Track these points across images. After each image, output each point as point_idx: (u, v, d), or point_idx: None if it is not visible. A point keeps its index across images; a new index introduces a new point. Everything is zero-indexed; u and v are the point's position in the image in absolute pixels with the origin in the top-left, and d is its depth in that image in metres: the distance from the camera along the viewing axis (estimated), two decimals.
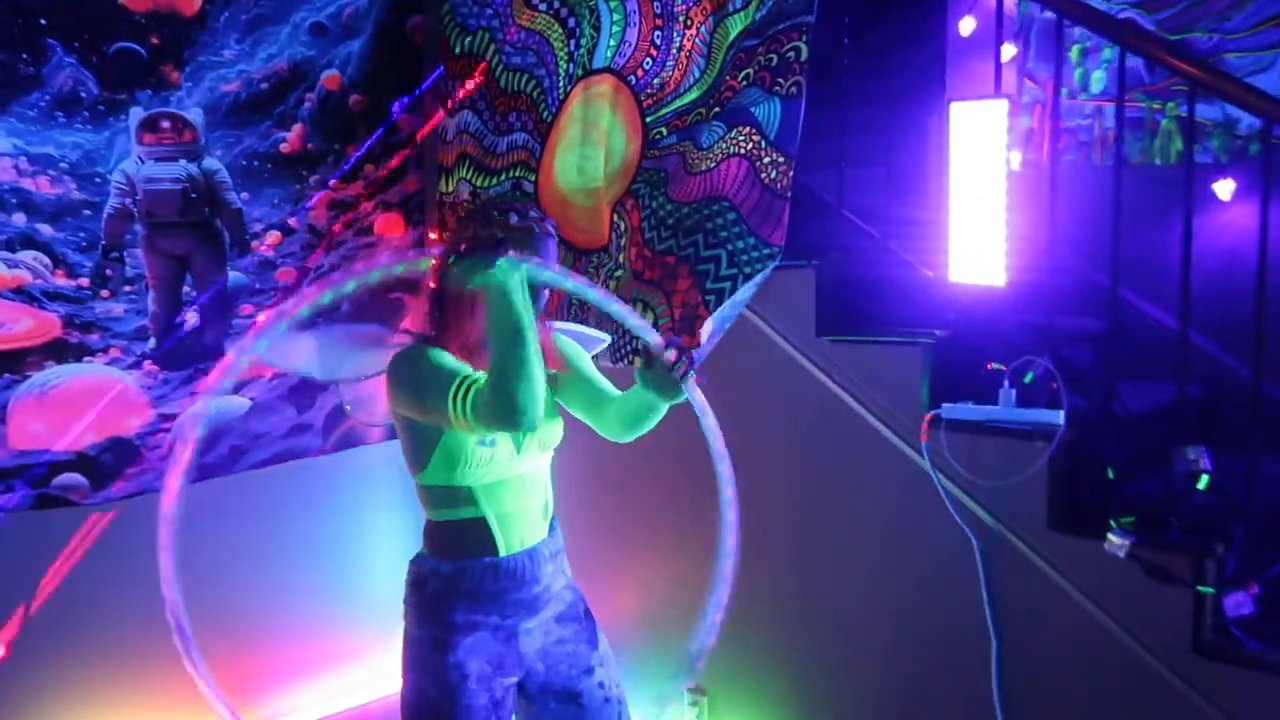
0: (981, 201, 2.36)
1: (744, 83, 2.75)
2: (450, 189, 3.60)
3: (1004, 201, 2.33)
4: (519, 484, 1.92)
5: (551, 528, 2.00)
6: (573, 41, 3.25)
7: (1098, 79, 3.31)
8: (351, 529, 3.50)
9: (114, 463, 2.92)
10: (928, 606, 2.46)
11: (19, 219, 2.72)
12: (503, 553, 1.89)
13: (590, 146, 3.17)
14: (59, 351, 2.81)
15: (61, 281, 2.81)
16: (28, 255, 2.75)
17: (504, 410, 1.65)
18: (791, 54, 2.66)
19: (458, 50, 3.53)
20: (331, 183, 3.40)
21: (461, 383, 1.72)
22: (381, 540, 3.50)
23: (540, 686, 1.97)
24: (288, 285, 3.29)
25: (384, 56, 3.50)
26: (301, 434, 3.35)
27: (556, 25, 3.28)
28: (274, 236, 3.27)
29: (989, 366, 2.34)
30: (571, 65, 3.24)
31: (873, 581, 2.56)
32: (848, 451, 2.56)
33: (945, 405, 2.37)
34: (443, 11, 3.56)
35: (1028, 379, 2.28)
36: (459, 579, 1.87)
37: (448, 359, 1.80)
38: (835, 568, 2.63)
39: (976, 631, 2.31)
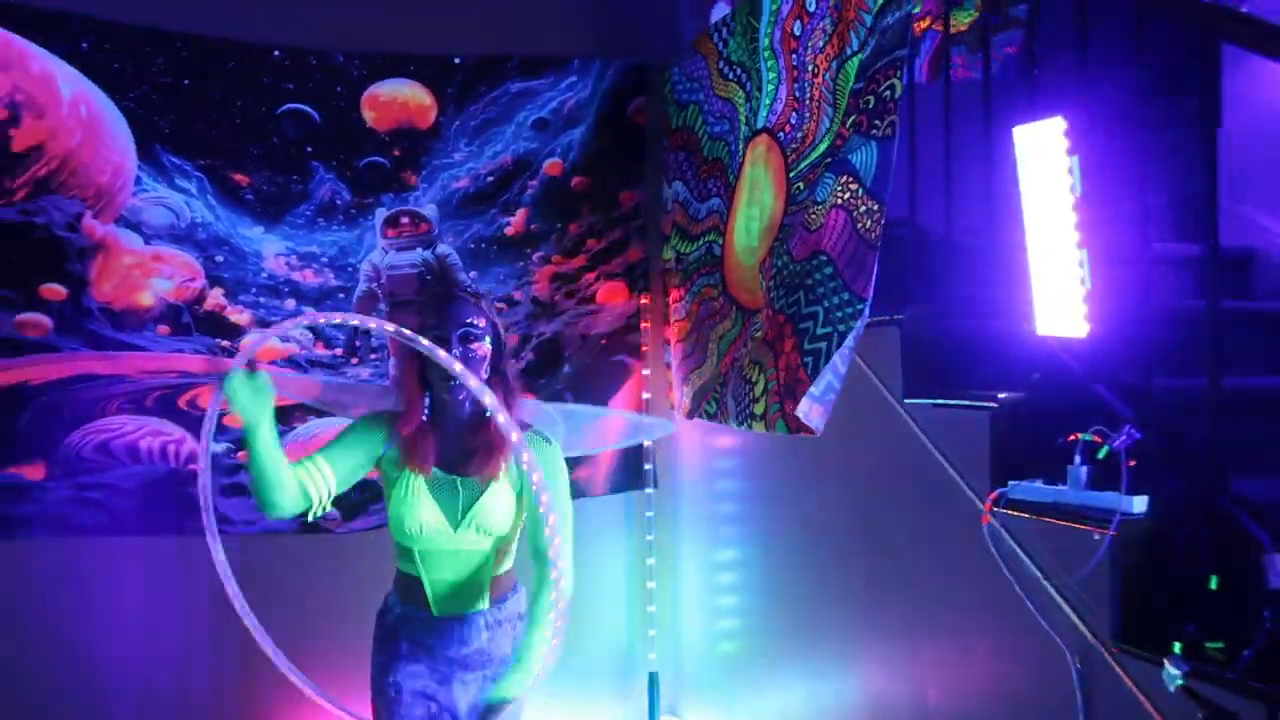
0: (1051, 236, 1.97)
1: (850, 130, 2.58)
2: (668, 256, 3.79)
3: (1072, 236, 1.93)
4: (454, 558, 2.08)
5: (501, 600, 2.13)
6: (748, 105, 3.28)
7: None
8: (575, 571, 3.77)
9: (359, 499, 3.53)
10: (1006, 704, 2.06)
11: (290, 303, 3.47)
12: (435, 613, 2.09)
13: (754, 207, 3.16)
14: (319, 409, 3.50)
15: (320, 352, 3.51)
16: (296, 332, 3.48)
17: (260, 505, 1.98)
18: (887, 92, 2.45)
19: (675, 125, 3.74)
20: (554, 258, 3.78)
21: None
22: (597, 580, 3.75)
23: None
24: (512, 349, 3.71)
25: (605, 139, 3.81)
26: None
27: (740, 91, 3.34)
28: (500, 308, 3.72)
29: (1070, 438, 1.93)
30: (746, 128, 3.27)
31: (951, 680, 2.20)
32: (929, 525, 2.26)
33: (1012, 483, 2.00)
34: (665, 90, 3.80)
35: (1101, 454, 1.85)
36: (403, 621, 2.12)
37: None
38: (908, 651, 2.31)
39: None
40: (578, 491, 3.75)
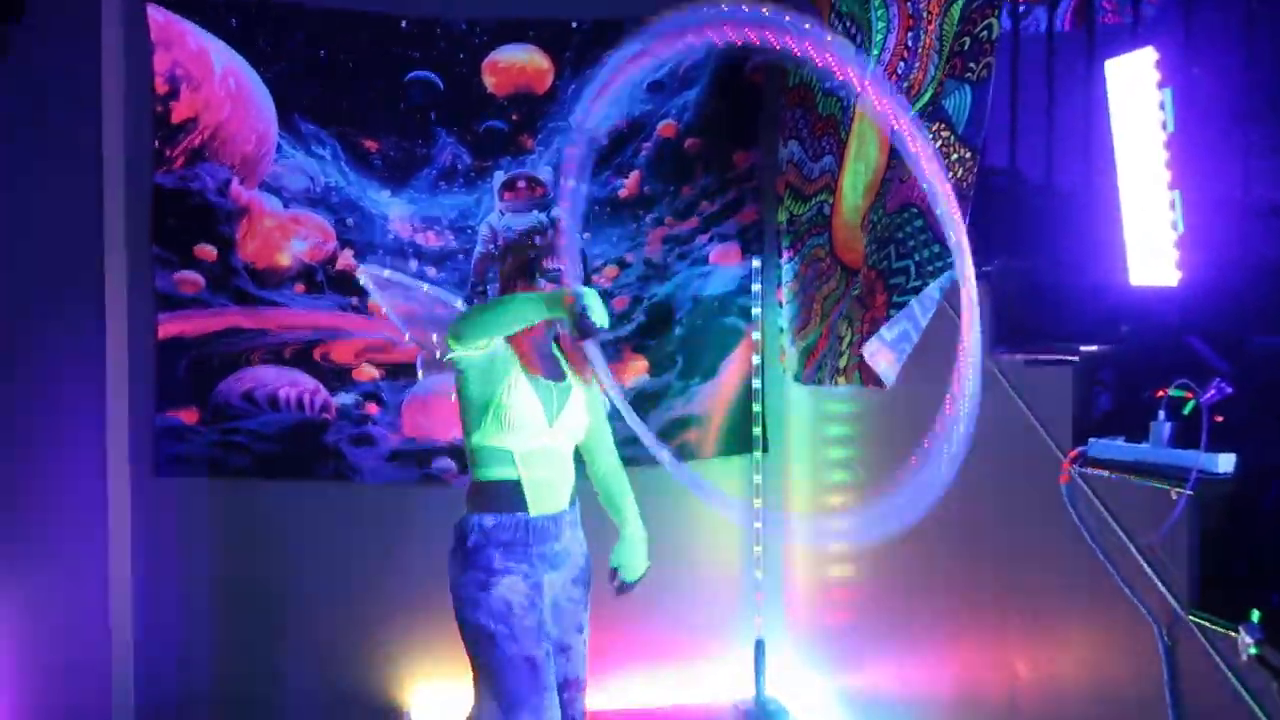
0: (1142, 177, 1.83)
1: (946, 74, 2.47)
2: (782, 218, 3.73)
3: (1164, 175, 1.78)
4: (546, 455, 2.28)
5: (572, 501, 2.34)
6: (859, 57, 3.18)
7: None
8: (679, 531, 3.80)
9: None
10: (1093, 695, 1.95)
11: (413, 264, 3.65)
12: (532, 513, 2.24)
13: (859, 162, 3.08)
14: (440, 364, 3.66)
15: (442, 311, 3.67)
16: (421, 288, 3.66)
17: (460, 329, 2.16)
18: (984, 33, 2.33)
19: (792, 83, 3.67)
20: (666, 219, 3.79)
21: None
22: (704, 545, 3.76)
23: (544, 633, 2.25)
24: (623, 311, 3.76)
25: (720, 100, 3.79)
26: (632, 445, 3.77)
27: (849, 43, 3.24)
28: (611, 270, 3.78)
29: (1157, 393, 1.80)
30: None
31: (1037, 649, 2.09)
32: (1017, 486, 2.15)
33: (1093, 440, 1.88)
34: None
35: (1187, 410, 1.71)
36: (496, 531, 2.23)
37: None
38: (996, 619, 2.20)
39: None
40: (689, 454, 3.81)
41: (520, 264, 2.39)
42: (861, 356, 2.53)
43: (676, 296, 3.81)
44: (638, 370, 3.79)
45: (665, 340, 3.80)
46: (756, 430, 3.74)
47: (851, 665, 3.33)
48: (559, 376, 2.36)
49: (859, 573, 3.29)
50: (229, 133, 3.55)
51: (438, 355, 2.28)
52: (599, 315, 2.08)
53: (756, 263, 3.77)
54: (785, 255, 3.66)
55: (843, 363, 2.68)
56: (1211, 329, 1.80)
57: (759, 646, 3.64)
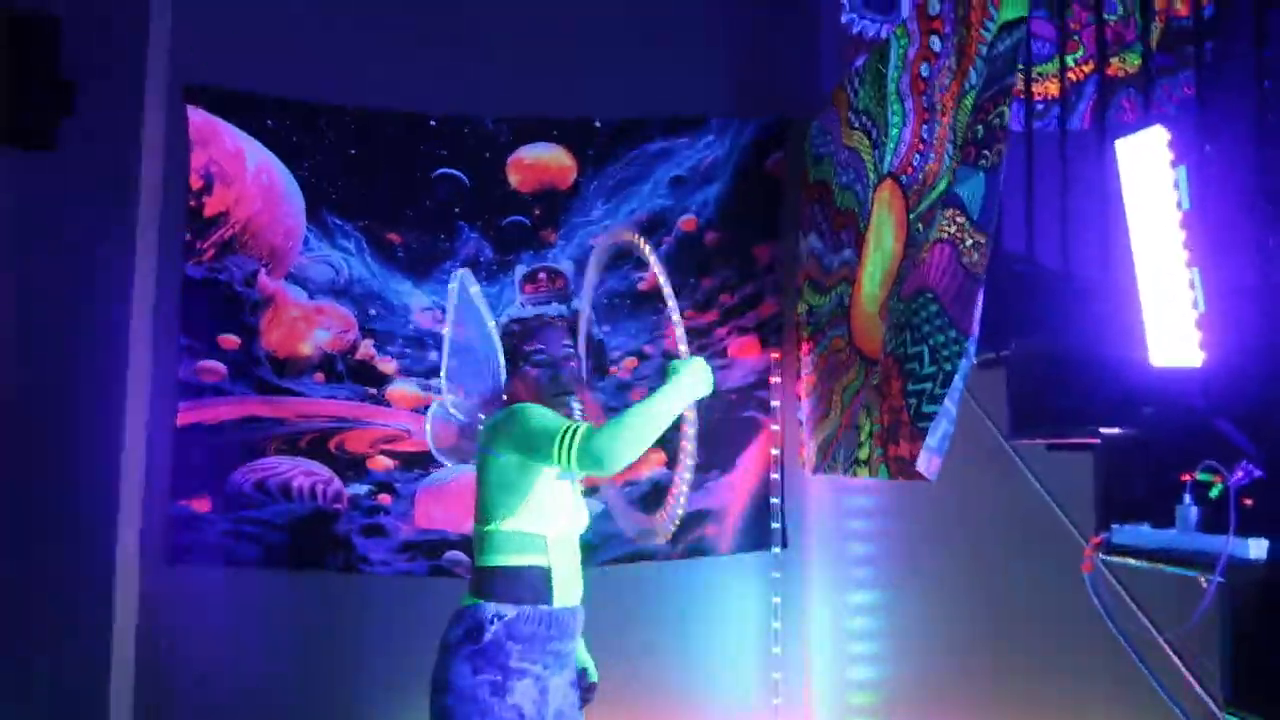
0: (1159, 255, 1.80)
1: (959, 162, 2.48)
2: (801, 311, 3.73)
3: (1181, 254, 1.75)
4: (571, 542, 2.17)
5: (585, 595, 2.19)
6: (876, 152, 3.22)
7: None
8: (695, 628, 3.69)
9: None
10: None
11: (432, 355, 3.66)
12: (556, 604, 2.10)
13: (878, 253, 3.08)
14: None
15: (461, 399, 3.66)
16: (437, 381, 3.65)
17: (615, 453, 1.93)
18: (996, 120, 2.35)
19: (812, 178, 3.73)
20: (686, 312, 3.80)
21: (570, 426, 2.02)
22: (722, 640, 3.64)
23: None
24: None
25: (741, 194, 3.85)
26: (650, 538, 3.70)
27: (865, 139, 3.29)
28: (630, 362, 3.78)
29: (1184, 477, 1.73)
30: (874, 175, 3.21)
31: None
32: (1040, 575, 2.06)
33: (1117, 526, 1.80)
34: (805, 145, 3.81)
35: (1214, 494, 1.64)
36: (518, 624, 2.06)
37: (552, 413, 2.12)
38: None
39: None
40: (705, 548, 3.73)
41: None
42: (885, 449, 2.47)
43: None
44: (655, 462, 3.73)
45: (681, 433, 3.75)
46: (775, 525, 3.66)
47: None
48: None
49: (881, 673, 3.15)
50: (259, 226, 3.64)
51: (563, 455, 2.06)
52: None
53: (775, 355, 3.76)
54: (805, 348, 3.64)
55: (864, 454, 2.62)
56: (1236, 410, 1.74)
57: None
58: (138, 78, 3.41)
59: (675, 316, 2.31)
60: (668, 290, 2.29)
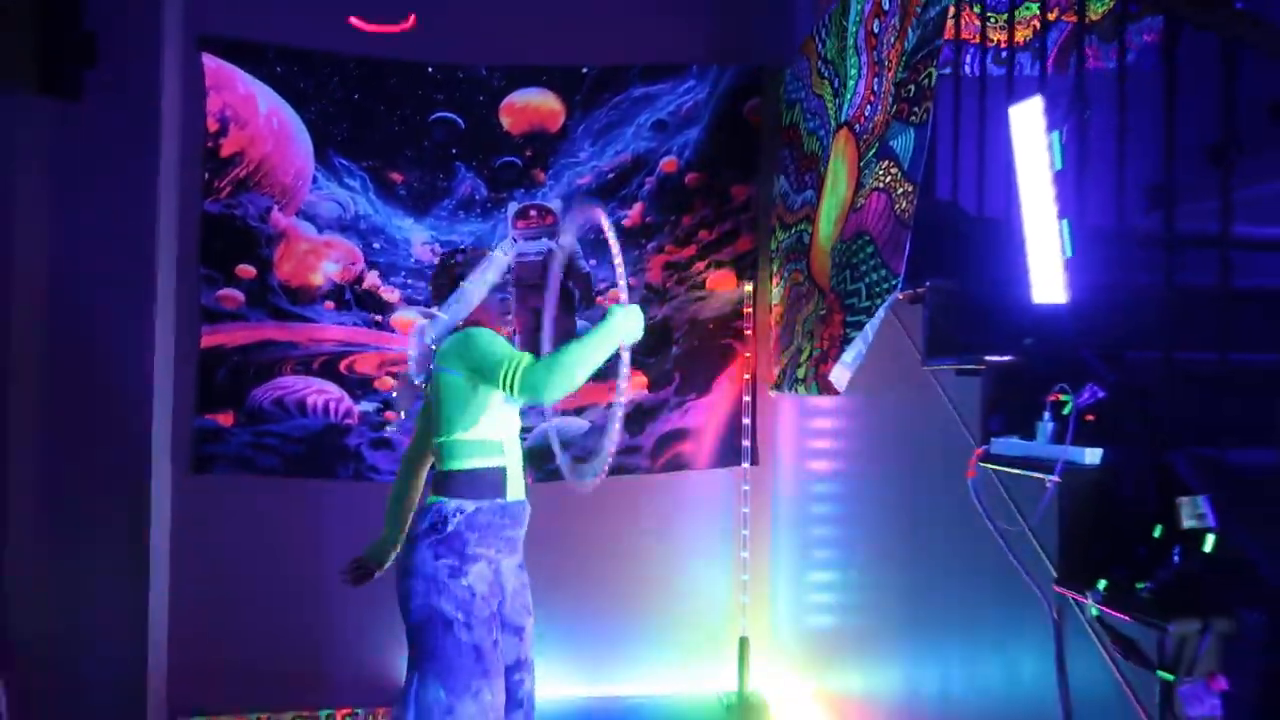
0: (1038, 208, 2.09)
1: (893, 116, 2.75)
2: (774, 247, 4.03)
3: (1053, 207, 2.04)
4: (518, 443, 2.53)
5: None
6: (836, 100, 3.48)
7: None
8: (671, 537, 4.08)
9: None
10: (1006, 671, 2.18)
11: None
12: (509, 498, 2.47)
13: (833, 196, 3.36)
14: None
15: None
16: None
17: (550, 386, 2.25)
18: (926, 80, 2.61)
19: (785, 122, 3.98)
20: (667, 247, 4.10)
21: (514, 359, 2.34)
22: (697, 545, 4.02)
23: (501, 617, 2.46)
24: None
25: (719, 138, 4.11)
26: (632, 454, 4.07)
27: (829, 87, 3.55)
28: (615, 293, 4.08)
29: (1051, 397, 2.05)
30: (834, 123, 3.47)
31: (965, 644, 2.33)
32: (950, 482, 2.40)
33: (994, 439, 2.13)
34: (779, 91, 4.05)
35: (1065, 411, 1.96)
36: (477, 516, 2.42)
37: (501, 339, 2.45)
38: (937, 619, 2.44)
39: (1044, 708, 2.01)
40: (683, 464, 4.09)
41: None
42: (816, 368, 2.80)
43: (675, 318, 4.11)
44: (637, 385, 4.08)
45: (663, 358, 4.10)
46: (746, 443, 4.01)
47: (826, 663, 3.56)
48: None
49: (831, 576, 3.53)
50: (271, 166, 3.94)
51: (506, 386, 2.34)
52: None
53: (749, 287, 4.07)
54: (775, 280, 3.95)
55: (801, 373, 2.95)
56: (1094, 341, 2.05)
57: (743, 644, 3.89)
58: (155, 29, 3.67)
59: (619, 269, 2.58)
60: (615, 248, 2.56)
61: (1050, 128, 2.05)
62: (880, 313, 2.60)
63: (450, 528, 2.43)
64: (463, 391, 2.46)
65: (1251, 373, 2.02)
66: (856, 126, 3.21)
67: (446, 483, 2.48)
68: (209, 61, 3.87)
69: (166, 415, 3.81)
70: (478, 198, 4.03)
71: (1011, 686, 2.22)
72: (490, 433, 2.49)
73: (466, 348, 2.42)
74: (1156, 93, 2.02)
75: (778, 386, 3.59)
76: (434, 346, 2.57)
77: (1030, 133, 2.11)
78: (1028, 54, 3.93)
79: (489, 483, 2.47)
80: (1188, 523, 1.65)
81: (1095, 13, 4.10)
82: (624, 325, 2.37)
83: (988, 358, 2.20)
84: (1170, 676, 1.56)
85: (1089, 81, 2.40)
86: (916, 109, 2.63)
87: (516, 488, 2.52)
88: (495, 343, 2.41)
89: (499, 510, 2.47)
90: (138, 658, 3.67)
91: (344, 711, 3.89)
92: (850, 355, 2.70)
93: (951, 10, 2.59)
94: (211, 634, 3.85)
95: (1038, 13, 3.67)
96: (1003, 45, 3.87)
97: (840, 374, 2.66)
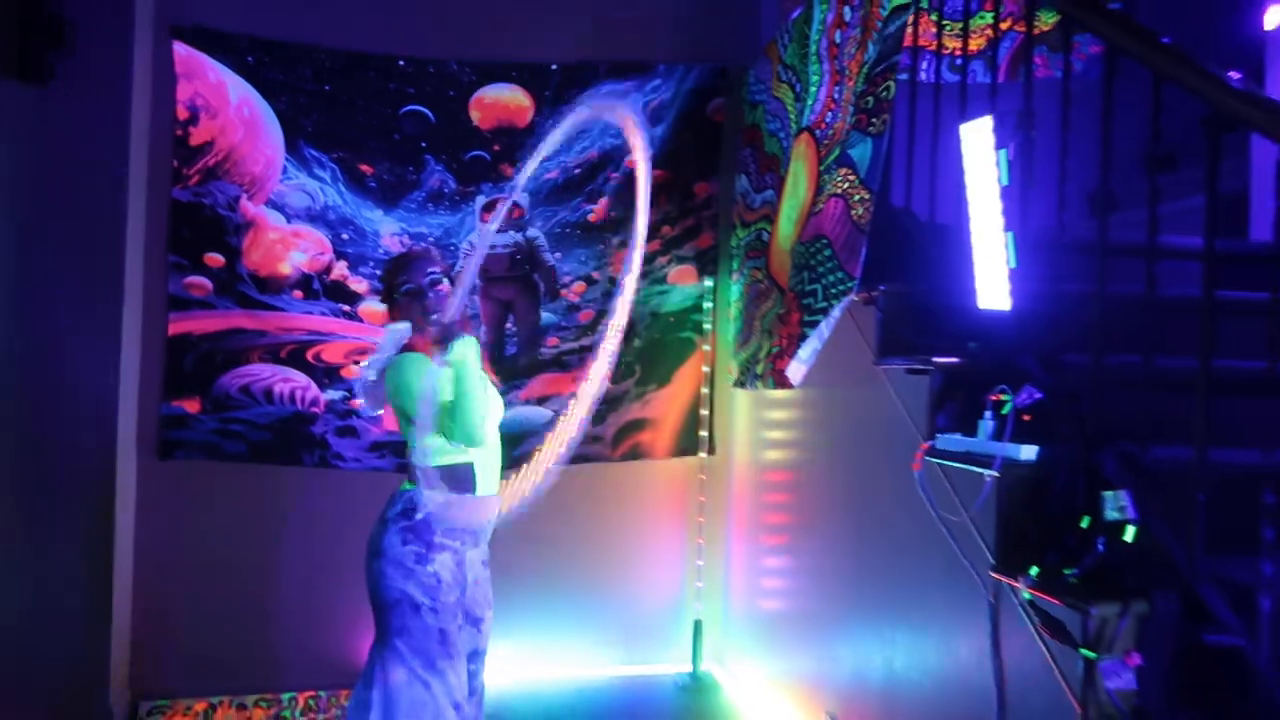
0: (986, 220, 2.23)
1: (852, 126, 2.88)
2: (734, 244, 4.15)
3: (1000, 220, 2.19)
4: (493, 435, 2.60)
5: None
6: (798, 105, 3.61)
7: None
8: (629, 524, 4.20)
9: None
10: (945, 649, 2.34)
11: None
12: (478, 493, 2.56)
13: (793, 198, 3.49)
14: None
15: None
16: None
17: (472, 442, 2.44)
18: (884, 93, 2.75)
19: (748, 122, 4.10)
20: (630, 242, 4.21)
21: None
22: (655, 532, 4.15)
23: (463, 607, 2.55)
24: (588, 323, 4.17)
25: (684, 137, 4.22)
26: (594, 444, 4.18)
27: (790, 92, 3.68)
28: (579, 286, 4.19)
29: (994, 398, 2.20)
30: (795, 126, 3.60)
31: (888, 594, 2.48)
32: (898, 474, 2.55)
33: (940, 435, 2.28)
34: (742, 92, 4.17)
35: (1005, 410, 2.11)
36: (444, 508, 2.52)
37: (419, 376, 2.46)
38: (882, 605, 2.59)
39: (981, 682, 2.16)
40: (641, 453, 4.22)
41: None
42: (774, 364, 2.93)
43: (637, 311, 4.22)
44: (599, 378, 4.18)
45: (625, 350, 4.20)
46: (704, 433, 4.14)
47: (776, 645, 3.71)
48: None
49: (783, 562, 3.68)
50: (241, 155, 3.98)
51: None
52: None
53: (710, 283, 4.19)
54: (734, 277, 4.08)
55: (760, 370, 3.08)
56: (1033, 346, 2.20)
57: (697, 627, 4.03)
58: (127, 15, 3.68)
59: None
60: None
61: (999, 145, 2.19)
62: (836, 312, 2.74)
63: (419, 515, 2.53)
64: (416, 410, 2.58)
65: (1175, 374, 2.18)
66: (817, 132, 3.35)
67: (419, 475, 2.56)
68: (180, 50, 3.89)
69: (133, 401, 3.84)
70: (446, 191, 4.10)
71: (950, 665, 2.37)
72: (467, 435, 2.51)
73: (389, 383, 2.54)
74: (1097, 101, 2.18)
75: (739, 383, 3.73)
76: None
77: (980, 149, 2.25)
78: (980, 62, 4.09)
79: (457, 478, 2.56)
80: (1111, 515, 1.80)
81: (1045, 23, 4.27)
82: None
83: (936, 359, 2.34)
84: (1092, 654, 1.71)
85: (1040, 90, 2.57)
86: (875, 120, 2.77)
87: (487, 482, 2.59)
88: (408, 386, 2.47)
89: (467, 504, 2.55)
90: (101, 643, 3.70)
91: (307, 694, 3.97)
92: (806, 351, 2.84)
93: (910, 20, 2.72)
94: (175, 619, 3.90)
95: (991, 21, 3.84)
96: (957, 54, 4.04)
97: (796, 369, 2.80)
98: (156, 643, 3.87)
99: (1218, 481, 1.79)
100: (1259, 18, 3.09)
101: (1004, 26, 4.32)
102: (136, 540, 3.87)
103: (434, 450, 2.57)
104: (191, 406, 3.95)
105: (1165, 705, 1.64)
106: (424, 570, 2.50)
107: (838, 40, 3.26)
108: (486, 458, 2.60)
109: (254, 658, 3.95)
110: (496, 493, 2.65)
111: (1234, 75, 1.88)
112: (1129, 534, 1.77)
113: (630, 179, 4.19)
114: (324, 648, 4.00)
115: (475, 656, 2.64)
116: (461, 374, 2.40)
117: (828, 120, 3.29)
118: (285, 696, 3.94)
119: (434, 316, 2.53)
